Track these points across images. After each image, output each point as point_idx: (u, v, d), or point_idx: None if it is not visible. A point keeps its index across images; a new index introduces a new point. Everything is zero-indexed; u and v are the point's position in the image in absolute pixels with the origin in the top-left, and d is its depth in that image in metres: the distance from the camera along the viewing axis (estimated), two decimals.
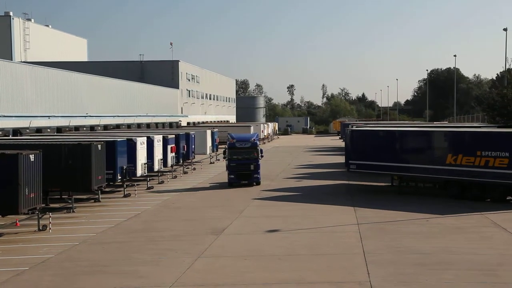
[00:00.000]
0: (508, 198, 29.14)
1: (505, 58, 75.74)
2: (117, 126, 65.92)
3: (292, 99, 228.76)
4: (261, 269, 17.57)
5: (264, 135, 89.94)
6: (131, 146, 35.52)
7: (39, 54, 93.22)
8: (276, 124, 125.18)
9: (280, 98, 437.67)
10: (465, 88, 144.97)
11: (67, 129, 54.23)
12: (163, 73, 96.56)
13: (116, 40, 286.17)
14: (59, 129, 52.39)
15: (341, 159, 48.12)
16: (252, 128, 78.60)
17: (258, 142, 38.20)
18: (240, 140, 37.47)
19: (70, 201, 29.02)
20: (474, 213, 25.99)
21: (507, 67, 59.00)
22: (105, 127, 61.84)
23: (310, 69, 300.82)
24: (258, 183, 37.06)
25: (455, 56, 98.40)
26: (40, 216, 24.02)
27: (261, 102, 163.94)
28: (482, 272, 16.66)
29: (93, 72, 74.63)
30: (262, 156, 37.52)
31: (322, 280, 16.28)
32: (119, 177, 33.44)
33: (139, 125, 72.84)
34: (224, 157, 37.70)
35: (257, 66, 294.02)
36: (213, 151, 59.49)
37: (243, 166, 36.57)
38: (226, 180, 37.30)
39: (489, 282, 15.76)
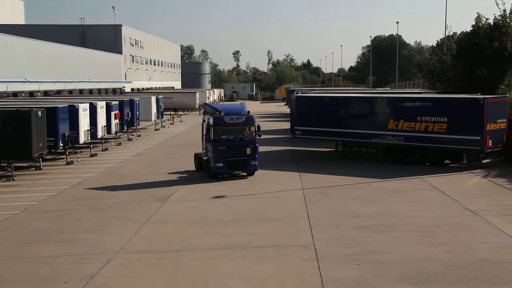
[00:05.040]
0: (446, 161, 30.21)
1: (445, 25, 77.70)
2: (58, 92, 64.04)
3: (238, 66, 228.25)
4: (206, 235, 17.65)
5: (210, 102, 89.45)
6: (73, 113, 34.82)
7: None
8: (222, 90, 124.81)
9: (226, 64, 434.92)
10: (406, 54, 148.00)
11: (4, 95, 52.27)
12: (105, 38, 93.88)
13: (55, 3, 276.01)
14: None
15: (286, 125, 48.51)
16: (197, 94, 78.04)
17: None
18: (230, 113, 26.98)
19: (9, 169, 28.20)
20: (414, 177, 26.81)
21: (446, 34, 60.38)
22: (46, 93, 59.99)
23: (255, 35, 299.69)
24: (252, 173, 27.43)
25: (397, 23, 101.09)
26: None
27: (207, 68, 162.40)
28: (420, 233, 17.28)
29: (32, 36, 71.62)
30: (260, 135, 27.30)
31: (268, 244, 16.52)
32: (61, 144, 32.78)
33: (81, 91, 70.95)
34: (207, 137, 26.97)
35: (202, 32, 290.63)
36: (158, 118, 58.91)
37: (236, 149, 26.48)
38: (193, 167, 29.48)
39: (427, 243, 16.37)
